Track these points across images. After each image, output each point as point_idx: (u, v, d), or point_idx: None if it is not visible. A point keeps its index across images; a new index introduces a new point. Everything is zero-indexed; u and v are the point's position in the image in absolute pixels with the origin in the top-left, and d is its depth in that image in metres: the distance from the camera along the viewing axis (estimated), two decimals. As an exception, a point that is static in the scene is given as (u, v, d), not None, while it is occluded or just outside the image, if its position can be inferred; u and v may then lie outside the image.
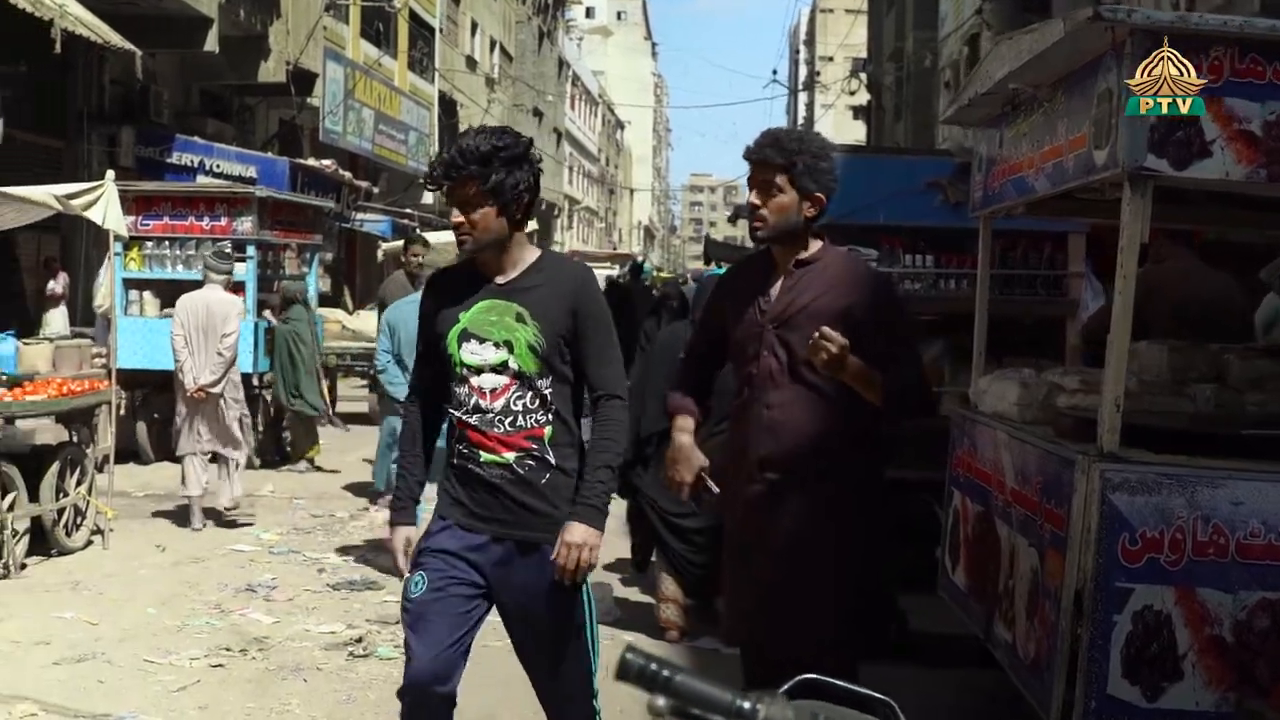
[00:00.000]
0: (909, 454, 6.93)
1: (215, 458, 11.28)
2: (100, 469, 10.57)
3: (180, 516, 11.19)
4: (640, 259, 34.14)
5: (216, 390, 11.04)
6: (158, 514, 11.54)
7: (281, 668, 7.19)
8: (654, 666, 1.88)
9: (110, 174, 10.45)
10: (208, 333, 11.02)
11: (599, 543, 4.23)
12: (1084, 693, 4.79)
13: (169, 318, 14.10)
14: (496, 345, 4.25)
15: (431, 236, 16.59)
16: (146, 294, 14.71)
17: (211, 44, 19.07)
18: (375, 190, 28.06)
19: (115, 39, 15.89)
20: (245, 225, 14.64)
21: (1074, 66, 5.32)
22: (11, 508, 8.99)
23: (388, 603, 8.37)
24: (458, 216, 4.26)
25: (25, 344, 13.17)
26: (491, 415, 4.25)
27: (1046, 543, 5.20)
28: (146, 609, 8.30)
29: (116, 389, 10.62)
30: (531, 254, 4.38)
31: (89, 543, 10.11)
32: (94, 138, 19.06)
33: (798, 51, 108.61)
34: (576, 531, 4.17)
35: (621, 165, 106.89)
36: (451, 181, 4.23)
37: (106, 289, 13.89)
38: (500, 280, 4.33)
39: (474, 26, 44.46)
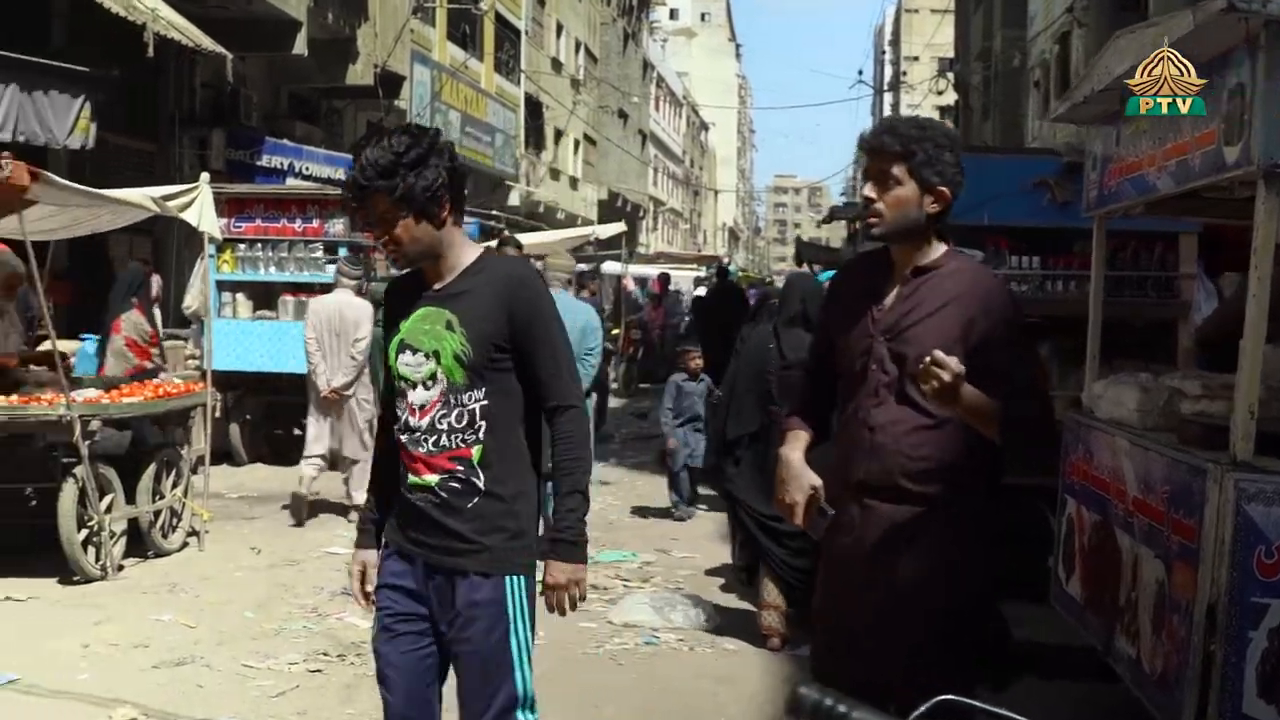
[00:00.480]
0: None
1: (334, 460, 11.52)
2: (195, 471, 10.61)
3: (275, 519, 11.29)
4: (726, 261, 34.02)
5: (349, 392, 11.29)
6: (252, 516, 11.59)
7: (379, 673, 7.13)
8: (829, 701, 1.77)
9: (205, 176, 10.47)
10: (340, 336, 11.27)
11: (584, 575, 4.00)
12: (1217, 710, 4.60)
13: (261, 320, 14.26)
14: (426, 356, 3.99)
15: (522, 237, 16.55)
16: (239, 296, 14.75)
17: (300, 47, 19.19)
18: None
19: (206, 42, 15.99)
20: (337, 227, 14.59)
21: (1202, 60, 5.10)
22: (109, 509, 9.03)
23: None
24: (380, 235, 3.98)
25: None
26: (418, 434, 4.00)
27: (1174, 554, 5.00)
28: (243, 612, 8.30)
29: (211, 391, 10.66)
30: (470, 255, 4.08)
31: (185, 544, 10.17)
32: (185, 140, 19.23)
33: (883, 52, 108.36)
34: (559, 572, 3.94)
35: (706, 166, 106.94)
36: (359, 203, 3.97)
37: (197, 290, 13.97)
38: (437, 286, 4.05)
39: (559, 28, 44.62)
